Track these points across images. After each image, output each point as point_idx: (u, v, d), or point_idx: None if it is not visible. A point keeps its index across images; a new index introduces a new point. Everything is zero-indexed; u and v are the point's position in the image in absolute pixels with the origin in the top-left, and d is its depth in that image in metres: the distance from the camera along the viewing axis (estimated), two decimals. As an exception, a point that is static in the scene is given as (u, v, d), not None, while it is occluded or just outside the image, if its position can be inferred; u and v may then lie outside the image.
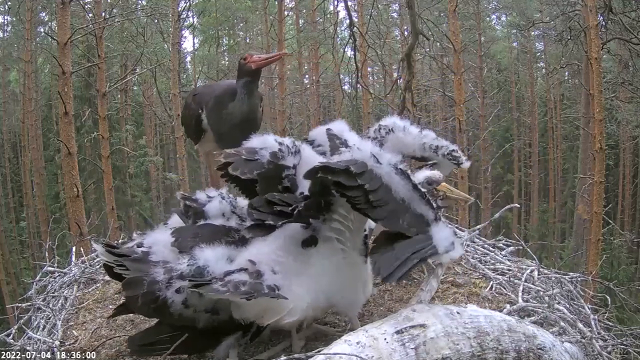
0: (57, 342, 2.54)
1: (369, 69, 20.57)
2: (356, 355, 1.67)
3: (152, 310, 2.06)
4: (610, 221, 11.40)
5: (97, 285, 3.28)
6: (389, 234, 1.98)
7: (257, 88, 3.18)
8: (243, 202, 2.46)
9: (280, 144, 2.23)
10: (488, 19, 23.73)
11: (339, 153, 2.03)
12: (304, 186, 2.10)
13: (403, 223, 1.90)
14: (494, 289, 2.88)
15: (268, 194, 2.07)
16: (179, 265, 2.06)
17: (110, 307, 2.99)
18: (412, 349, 1.75)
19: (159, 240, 2.24)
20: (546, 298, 2.73)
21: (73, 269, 3.46)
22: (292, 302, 2.00)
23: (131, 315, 2.86)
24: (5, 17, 20.52)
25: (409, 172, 1.99)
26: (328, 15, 15.89)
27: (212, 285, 1.89)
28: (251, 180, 2.15)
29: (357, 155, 1.90)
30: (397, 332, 1.78)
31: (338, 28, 13.72)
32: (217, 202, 2.43)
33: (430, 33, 10.46)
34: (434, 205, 2.06)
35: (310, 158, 2.25)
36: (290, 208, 2.03)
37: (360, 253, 2.17)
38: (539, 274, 3.02)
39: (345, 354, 1.69)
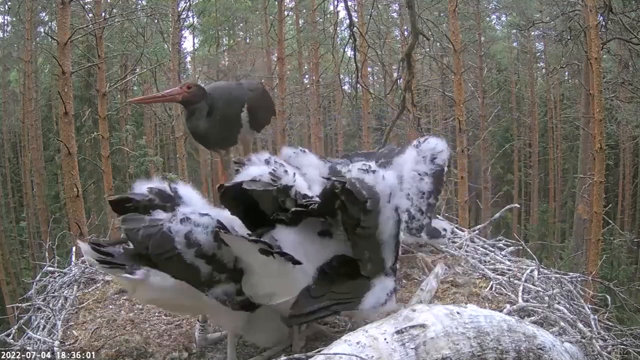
0: (57, 342, 2.54)
1: (369, 69, 20.59)
2: (356, 355, 1.67)
3: (152, 245, 1.93)
4: (610, 221, 11.41)
5: (97, 285, 3.28)
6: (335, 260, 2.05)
7: (198, 110, 3.18)
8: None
9: (272, 166, 2.25)
10: (488, 19, 23.74)
11: (364, 169, 2.03)
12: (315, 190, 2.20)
13: (366, 256, 2.01)
14: (494, 289, 2.88)
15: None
16: (182, 209, 2.02)
17: (111, 307, 3.00)
18: (412, 349, 1.76)
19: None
20: (546, 298, 2.73)
21: (73, 269, 3.46)
22: (305, 284, 2.01)
23: (131, 314, 2.87)
24: (5, 17, 20.54)
25: (402, 218, 2.10)
26: (328, 15, 15.89)
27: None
28: (252, 205, 2.12)
29: (379, 185, 1.96)
30: (397, 332, 1.78)
31: (338, 28, 13.73)
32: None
33: (430, 33, 10.47)
34: (397, 257, 2.14)
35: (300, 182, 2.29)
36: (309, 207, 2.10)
37: None
38: (539, 274, 3.02)
39: (345, 354, 1.69)
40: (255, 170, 2.18)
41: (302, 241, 2.07)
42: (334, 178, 2.00)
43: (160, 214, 2.02)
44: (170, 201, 2.16)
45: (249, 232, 2.11)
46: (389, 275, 2.11)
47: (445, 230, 3.07)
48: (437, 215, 3.17)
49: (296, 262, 1.93)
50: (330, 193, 1.99)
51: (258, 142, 23.51)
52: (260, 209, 2.14)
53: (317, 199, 2.12)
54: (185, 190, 2.26)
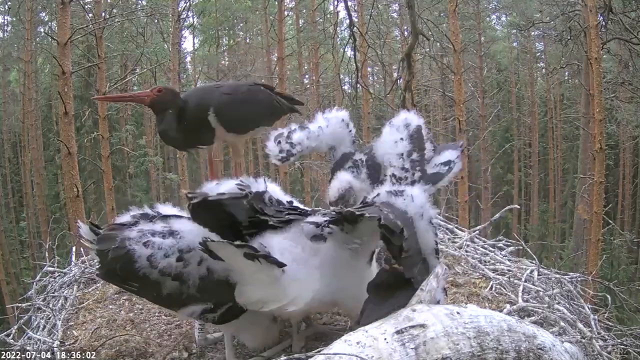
0: (57, 342, 2.54)
1: (369, 69, 20.57)
2: (356, 355, 1.67)
3: (119, 267, 2.04)
4: (610, 221, 11.41)
5: (97, 285, 3.28)
6: (386, 274, 2.05)
7: (169, 114, 3.17)
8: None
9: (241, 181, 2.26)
10: (488, 19, 23.73)
11: (392, 191, 2.07)
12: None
13: (415, 272, 2.03)
14: (494, 289, 2.88)
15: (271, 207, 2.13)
16: (154, 226, 2.08)
17: (111, 307, 3.00)
18: (412, 349, 1.75)
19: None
20: (546, 298, 2.73)
21: (73, 269, 3.46)
22: (296, 290, 2.02)
23: (131, 314, 2.87)
24: (5, 17, 20.52)
25: (436, 224, 2.14)
26: (328, 15, 15.88)
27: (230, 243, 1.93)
28: (226, 217, 2.12)
29: (409, 207, 2.01)
30: (397, 332, 1.78)
31: (338, 28, 13.73)
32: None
33: (430, 33, 10.47)
34: (439, 254, 2.18)
35: (272, 188, 2.31)
36: (296, 212, 2.13)
37: (368, 258, 2.22)
38: (538, 274, 3.03)
39: (345, 354, 1.69)
40: (224, 186, 2.22)
41: (292, 246, 2.07)
42: (366, 210, 1.96)
43: (138, 229, 2.08)
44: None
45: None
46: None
47: (447, 163, 2.98)
48: (444, 146, 3.11)
49: (281, 265, 1.94)
50: (360, 220, 1.99)
51: (258, 141, 23.57)
52: (239, 220, 2.15)
53: (304, 207, 2.19)
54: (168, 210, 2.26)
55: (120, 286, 2.30)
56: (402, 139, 2.90)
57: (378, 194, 2.09)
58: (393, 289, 2.01)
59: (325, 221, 2.04)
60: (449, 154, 3.02)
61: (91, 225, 2.11)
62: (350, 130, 3.23)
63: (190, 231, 2.06)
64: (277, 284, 1.99)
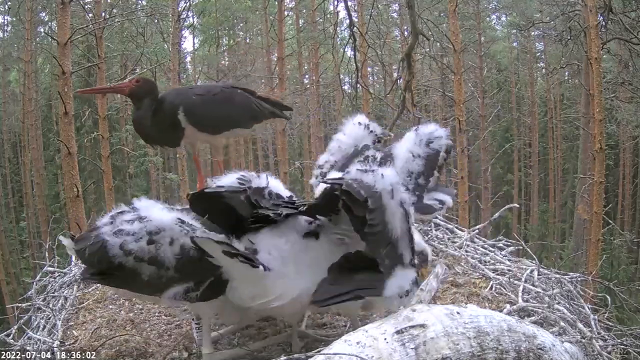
0: (57, 342, 2.54)
1: (369, 69, 20.57)
2: (356, 355, 1.67)
3: (96, 261, 2.08)
4: (610, 221, 11.40)
5: (97, 285, 3.27)
6: (352, 256, 2.06)
7: (145, 105, 3.31)
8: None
9: (242, 175, 2.30)
10: (488, 19, 23.73)
11: (362, 169, 2.04)
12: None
13: (382, 253, 1.99)
14: (494, 289, 2.89)
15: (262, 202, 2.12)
16: (124, 216, 2.11)
17: (111, 307, 3.00)
18: (412, 349, 1.76)
19: None
20: (546, 298, 2.73)
21: (73, 269, 3.46)
22: (282, 287, 2.03)
23: (131, 314, 2.87)
24: (5, 17, 20.52)
25: (410, 211, 2.07)
26: (328, 15, 15.88)
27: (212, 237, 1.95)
28: (226, 209, 2.14)
29: (378, 183, 1.96)
30: (397, 332, 1.78)
31: (338, 28, 13.72)
32: None
33: (430, 33, 10.47)
34: (414, 251, 2.14)
35: (273, 183, 2.34)
36: (293, 206, 2.12)
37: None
38: (538, 274, 3.03)
39: (345, 354, 1.69)
40: (225, 180, 2.25)
41: (281, 244, 2.07)
42: (330, 180, 2.01)
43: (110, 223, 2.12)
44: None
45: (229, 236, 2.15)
46: (409, 268, 2.10)
47: (441, 202, 3.03)
48: (441, 188, 3.13)
49: (255, 266, 1.94)
50: (331, 195, 2.00)
51: (258, 142, 23.57)
52: (240, 213, 2.16)
53: (298, 200, 2.18)
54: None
55: (102, 282, 2.32)
56: (419, 156, 2.97)
57: (348, 172, 2.08)
58: (355, 271, 2.01)
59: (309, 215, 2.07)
60: (444, 197, 3.08)
61: (72, 237, 2.17)
62: (371, 131, 3.27)
63: (158, 214, 2.09)
64: (263, 281, 2.01)
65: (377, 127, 3.37)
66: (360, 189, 1.91)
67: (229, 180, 2.24)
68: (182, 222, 2.08)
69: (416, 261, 2.18)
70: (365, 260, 2.03)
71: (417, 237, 2.57)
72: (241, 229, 2.13)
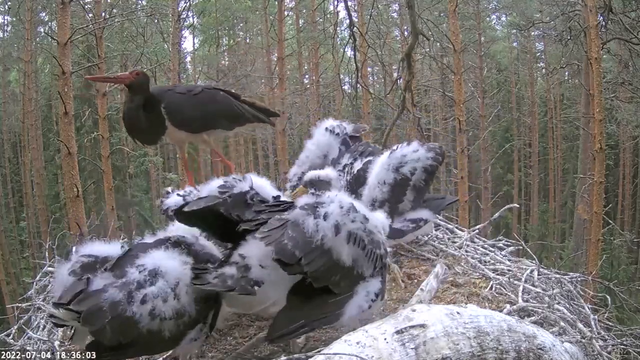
0: (57, 342, 2.54)
1: (369, 69, 20.58)
2: (356, 355, 1.67)
3: (122, 339, 1.87)
4: (610, 221, 11.40)
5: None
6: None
7: (138, 98, 3.44)
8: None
9: (224, 182, 2.31)
10: (488, 19, 23.73)
11: (306, 208, 2.03)
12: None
13: (334, 279, 2.00)
14: (494, 289, 2.88)
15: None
16: (130, 276, 1.92)
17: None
18: (412, 349, 1.75)
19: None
20: (546, 298, 2.73)
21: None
22: (277, 293, 2.03)
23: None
24: (5, 17, 20.53)
25: (367, 233, 2.06)
26: (328, 15, 15.87)
27: (207, 276, 1.94)
28: (212, 218, 2.13)
29: (320, 228, 1.96)
30: (397, 332, 1.78)
31: (338, 28, 13.73)
32: None
33: (430, 33, 10.47)
34: (380, 258, 2.12)
35: (260, 183, 2.37)
36: (277, 209, 2.12)
37: None
38: (538, 274, 3.03)
39: (345, 354, 1.69)
40: (207, 188, 2.28)
41: (269, 251, 2.02)
42: (261, 237, 1.95)
43: (104, 283, 1.92)
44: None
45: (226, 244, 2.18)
46: (374, 276, 2.10)
47: (415, 221, 3.00)
48: (426, 204, 3.11)
49: (252, 294, 1.93)
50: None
51: (258, 142, 23.57)
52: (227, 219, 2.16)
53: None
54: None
55: (116, 357, 2.01)
56: (385, 182, 2.95)
57: (295, 207, 2.07)
58: (312, 296, 2.01)
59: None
60: (424, 213, 3.04)
61: (65, 308, 1.84)
62: (337, 134, 3.30)
63: (171, 265, 1.98)
64: (259, 295, 2.01)
65: (347, 126, 3.38)
66: (294, 250, 1.91)
67: (211, 188, 2.26)
68: (186, 261, 2.01)
69: (385, 260, 2.17)
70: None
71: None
72: (232, 234, 2.12)
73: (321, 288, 2.01)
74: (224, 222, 2.10)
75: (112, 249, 2.13)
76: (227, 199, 2.13)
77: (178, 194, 2.67)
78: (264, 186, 2.34)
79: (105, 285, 1.89)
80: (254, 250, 2.03)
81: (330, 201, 2.05)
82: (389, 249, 2.23)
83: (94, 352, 1.92)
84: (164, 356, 2.32)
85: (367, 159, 3.18)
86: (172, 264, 1.98)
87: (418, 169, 2.96)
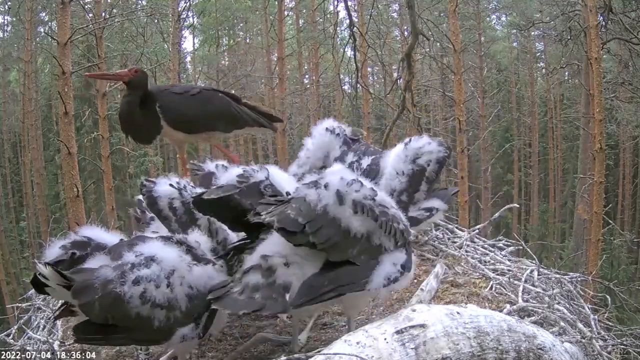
0: (57, 342, 2.54)
1: (369, 69, 20.59)
2: (356, 355, 1.67)
3: (111, 316, 1.89)
4: (610, 221, 11.40)
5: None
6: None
7: (135, 96, 3.46)
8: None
9: (243, 170, 2.28)
10: (488, 19, 23.75)
11: (307, 183, 2.02)
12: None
13: (352, 252, 1.97)
14: (494, 289, 2.88)
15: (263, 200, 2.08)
16: (125, 259, 1.94)
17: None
18: (412, 349, 1.75)
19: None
20: (546, 298, 2.73)
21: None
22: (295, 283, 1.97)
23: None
24: (5, 17, 20.55)
25: (376, 205, 2.03)
26: (328, 15, 15.88)
27: (231, 296, 1.88)
28: (228, 207, 2.12)
29: (322, 197, 1.94)
30: (397, 332, 1.78)
31: (338, 28, 13.73)
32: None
33: (430, 33, 10.47)
34: (401, 232, 2.09)
35: (278, 176, 2.34)
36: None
37: None
38: (538, 274, 3.03)
39: (345, 354, 1.69)
40: (226, 176, 2.24)
41: (289, 247, 1.98)
42: (264, 215, 1.93)
43: (100, 263, 1.95)
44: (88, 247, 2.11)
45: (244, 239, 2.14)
46: (398, 248, 2.06)
47: (429, 210, 3.04)
48: (436, 194, 3.15)
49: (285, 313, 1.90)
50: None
51: (258, 142, 23.57)
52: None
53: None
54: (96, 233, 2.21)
55: (104, 342, 2.09)
56: (404, 173, 2.99)
57: (297, 188, 2.07)
58: (338, 266, 1.98)
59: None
60: (436, 203, 3.08)
61: (53, 267, 1.88)
62: (337, 134, 3.30)
63: (166, 253, 1.99)
64: (276, 279, 1.95)
65: (346, 129, 3.39)
66: (297, 217, 1.89)
67: (230, 176, 2.22)
68: (183, 257, 2.01)
69: (407, 236, 2.14)
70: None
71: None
72: (247, 224, 2.10)
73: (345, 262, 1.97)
74: (243, 212, 2.08)
75: (111, 238, 2.19)
76: (244, 188, 2.11)
77: (171, 185, 2.60)
78: (282, 180, 2.32)
79: (100, 266, 1.93)
80: (274, 246, 1.98)
81: (331, 173, 2.04)
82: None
83: (83, 333, 1.96)
84: (164, 356, 2.32)
85: (372, 157, 3.20)
86: (169, 253, 1.99)
87: (432, 160, 3.02)
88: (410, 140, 3.11)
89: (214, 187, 2.20)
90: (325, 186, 1.96)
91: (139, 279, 1.88)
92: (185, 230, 2.44)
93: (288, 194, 2.18)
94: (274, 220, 1.88)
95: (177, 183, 2.57)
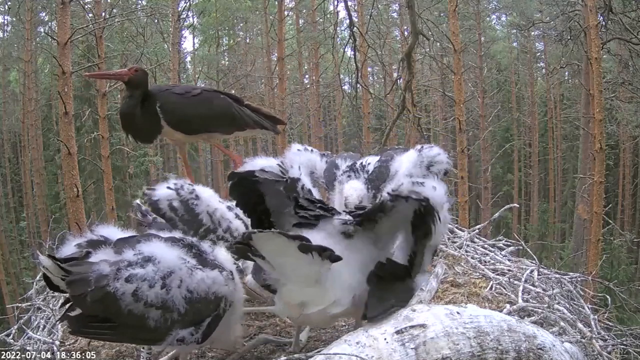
0: (57, 342, 2.53)
1: (369, 69, 20.60)
2: (356, 355, 1.67)
3: (101, 311, 1.91)
4: (610, 221, 11.41)
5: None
6: (386, 265, 2.03)
7: (135, 95, 3.46)
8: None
9: (280, 162, 2.26)
10: (488, 19, 23.75)
11: (415, 181, 2.03)
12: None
13: (418, 262, 2.05)
14: (494, 289, 2.88)
15: (303, 198, 2.10)
16: (124, 255, 1.95)
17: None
18: (412, 349, 1.75)
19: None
20: (546, 298, 2.73)
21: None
22: (340, 291, 1.95)
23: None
24: (5, 17, 20.56)
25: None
26: (328, 15, 15.88)
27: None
28: (256, 196, 2.13)
29: (436, 197, 1.97)
30: (397, 332, 1.78)
31: (338, 28, 13.73)
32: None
33: (430, 33, 10.47)
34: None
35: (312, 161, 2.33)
36: (327, 208, 2.11)
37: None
38: (538, 274, 3.03)
39: (345, 354, 1.69)
40: (262, 161, 2.19)
41: (330, 244, 1.92)
42: (412, 195, 1.94)
43: (101, 258, 1.95)
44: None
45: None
46: (424, 274, 2.13)
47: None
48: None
49: (335, 259, 1.81)
50: (385, 205, 1.98)
51: (258, 142, 23.57)
52: (266, 205, 2.14)
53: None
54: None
55: (98, 337, 2.13)
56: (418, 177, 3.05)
57: (402, 184, 2.03)
58: (390, 281, 2.00)
59: (353, 219, 2.04)
60: None
61: (53, 259, 1.91)
62: (311, 150, 3.33)
63: (166, 253, 1.98)
64: (323, 284, 1.90)
65: (307, 147, 3.43)
66: (435, 205, 1.93)
67: (266, 162, 2.18)
68: (185, 260, 2.00)
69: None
70: (396, 268, 2.01)
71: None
72: (267, 222, 2.10)
73: (391, 274, 2.00)
74: (262, 199, 2.09)
75: (124, 235, 2.18)
76: (288, 179, 2.10)
77: (168, 187, 2.59)
78: (306, 180, 2.31)
79: (101, 260, 1.94)
80: (315, 238, 1.90)
81: (430, 181, 2.06)
82: None
83: (76, 325, 1.97)
84: (164, 357, 2.32)
85: (380, 159, 3.24)
86: (169, 254, 1.98)
87: (442, 171, 3.13)
88: (422, 147, 3.19)
89: (260, 169, 2.16)
90: (435, 188, 1.99)
91: (131, 277, 1.88)
92: (190, 227, 2.44)
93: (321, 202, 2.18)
94: (422, 198, 1.90)
95: (175, 184, 2.59)
